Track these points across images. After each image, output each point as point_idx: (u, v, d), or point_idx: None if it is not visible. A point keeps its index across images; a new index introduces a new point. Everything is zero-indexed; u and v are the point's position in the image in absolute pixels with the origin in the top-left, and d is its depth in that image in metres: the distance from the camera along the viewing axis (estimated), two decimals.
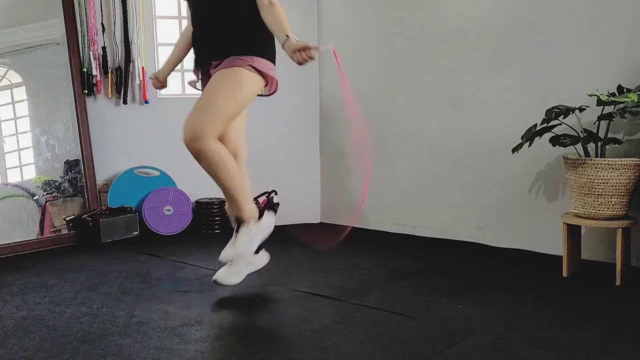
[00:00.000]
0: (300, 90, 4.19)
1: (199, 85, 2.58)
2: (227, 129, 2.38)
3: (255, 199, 4.01)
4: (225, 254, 2.34)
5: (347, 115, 3.93)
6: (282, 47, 2.17)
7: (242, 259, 2.36)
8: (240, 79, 2.29)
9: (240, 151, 2.51)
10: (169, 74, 2.74)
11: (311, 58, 2.11)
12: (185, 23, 3.93)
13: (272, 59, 2.40)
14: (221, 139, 2.34)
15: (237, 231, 2.34)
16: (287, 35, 2.15)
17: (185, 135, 2.20)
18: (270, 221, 2.45)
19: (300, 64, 2.13)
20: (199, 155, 2.21)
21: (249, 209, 2.35)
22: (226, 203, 2.52)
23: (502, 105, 3.30)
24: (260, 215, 2.39)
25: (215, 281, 2.42)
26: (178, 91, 4.11)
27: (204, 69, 2.48)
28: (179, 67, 4.03)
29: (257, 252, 2.52)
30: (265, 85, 2.42)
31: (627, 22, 2.85)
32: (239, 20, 2.32)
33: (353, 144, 3.90)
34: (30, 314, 2.32)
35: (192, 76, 2.62)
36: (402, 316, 2.23)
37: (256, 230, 2.38)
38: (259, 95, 2.45)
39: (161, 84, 2.75)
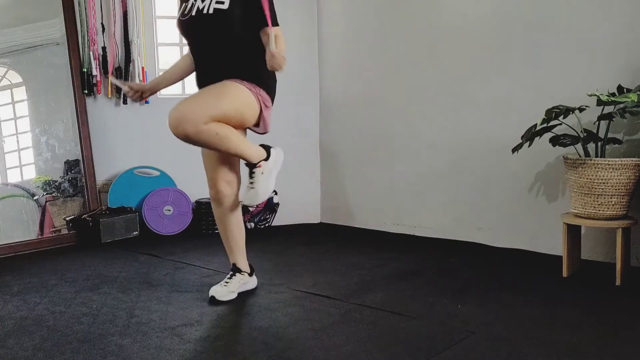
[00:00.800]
0: (301, 90, 4.19)
1: None
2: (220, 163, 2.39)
3: None
4: (248, 197, 2.35)
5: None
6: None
7: (264, 197, 2.36)
8: (242, 91, 2.28)
9: (234, 182, 2.47)
10: (154, 92, 2.61)
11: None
12: None
13: (272, 95, 2.41)
14: (218, 171, 2.40)
15: (250, 176, 2.35)
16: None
17: (170, 121, 2.13)
18: (279, 155, 2.46)
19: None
20: (188, 139, 2.15)
21: (254, 153, 2.34)
22: (229, 250, 2.56)
23: (502, 105, 3.30)
24: (268, 155, 2.40)
25: (212, 297, 2.44)
26: (178, 91, 4.11)
27: None
28: None
29: (251, 274, 2.59)
30: (257, 124, 2.40)
31: (627, 22, 2.85)
32: (241, 56, 2.33)
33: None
34: (30, 314, 2.32)
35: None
36: (402, 316, 2.23)
37: (268, 168, 2.38)
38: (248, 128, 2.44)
39: (139, 95, 2.57)
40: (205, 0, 2.28)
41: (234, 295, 2.48)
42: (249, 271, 2.58)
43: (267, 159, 2.38)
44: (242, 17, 2.28)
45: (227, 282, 2.50)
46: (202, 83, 2.42)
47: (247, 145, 2.31)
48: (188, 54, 2.54)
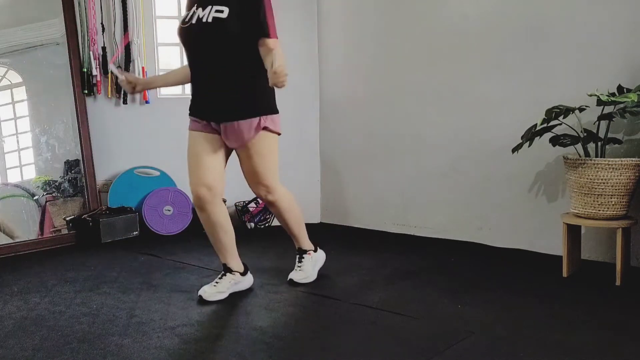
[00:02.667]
0: (301, 90, 4.19)
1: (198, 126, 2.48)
2: (210, 171, 2.43)
3: (255, 199, 4.02)
4: (298, 277, 2.69)
5: None
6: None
7: (310, 280, 2.71)
8: (269, 141, 2.43)
9: (218, 186, 2.47)
10: (147, 88, 2.81)
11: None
12: None
13: (276, 108, 2.47)
14: (200, 174, 2.42)
15: (299, 261, 2.74)
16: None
17: (261, 193, 2.53)
18: (322, 254, 2.86)
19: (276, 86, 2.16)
20: (276, 203, 2.56)
21: (309, 243, 2.77)
22: (219, 252, 2.56)
23: (502, 105, 3.30)
24: (315, 248, 2.81)
25: (200, 296, 2.45)
26: (178, 91, 4.11)
27: (207, 120, 2.44)
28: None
29: (244, 273, 2.58)
30: None
31: (627, 22, 2.85)
32: (243, 77, 2.36)
33: None
34: (30, 314, 2.32)
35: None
36: (402, 316, 2.23)
37: (316, 258, 2.79)
38: None
39: (132, 87, 2.63)
40: (205, 9, 2.34)
41: (223, 296, 2.47)
42: (241, 270, 2.56)
43: (315, 250, 2.79)
44: (241, 28, 2.30)
45: (216, 282, 2.50)
46: (207, 113, 2.42)
47: (305, 232, 2.74)
48: (184, 66, 2.60)
